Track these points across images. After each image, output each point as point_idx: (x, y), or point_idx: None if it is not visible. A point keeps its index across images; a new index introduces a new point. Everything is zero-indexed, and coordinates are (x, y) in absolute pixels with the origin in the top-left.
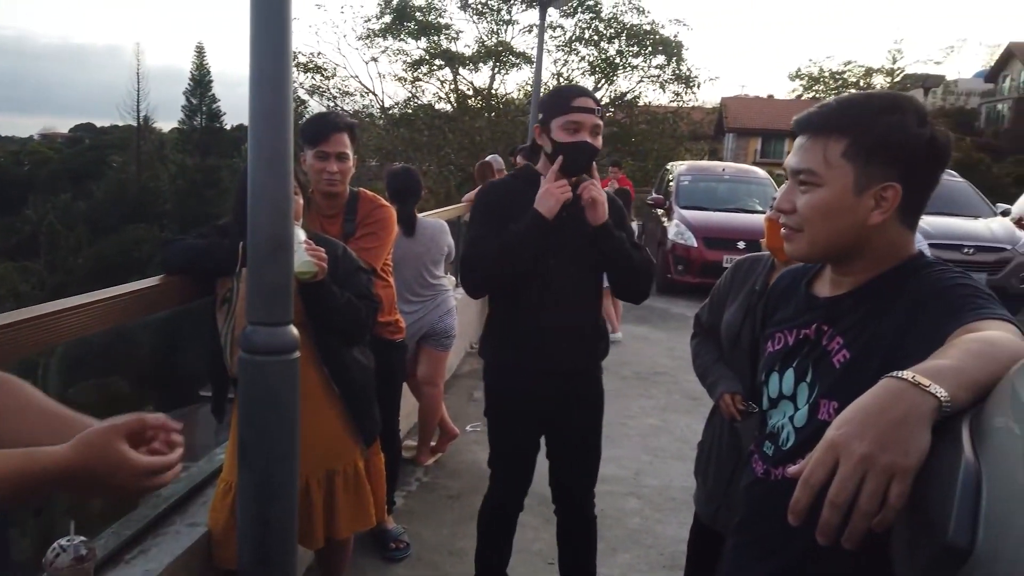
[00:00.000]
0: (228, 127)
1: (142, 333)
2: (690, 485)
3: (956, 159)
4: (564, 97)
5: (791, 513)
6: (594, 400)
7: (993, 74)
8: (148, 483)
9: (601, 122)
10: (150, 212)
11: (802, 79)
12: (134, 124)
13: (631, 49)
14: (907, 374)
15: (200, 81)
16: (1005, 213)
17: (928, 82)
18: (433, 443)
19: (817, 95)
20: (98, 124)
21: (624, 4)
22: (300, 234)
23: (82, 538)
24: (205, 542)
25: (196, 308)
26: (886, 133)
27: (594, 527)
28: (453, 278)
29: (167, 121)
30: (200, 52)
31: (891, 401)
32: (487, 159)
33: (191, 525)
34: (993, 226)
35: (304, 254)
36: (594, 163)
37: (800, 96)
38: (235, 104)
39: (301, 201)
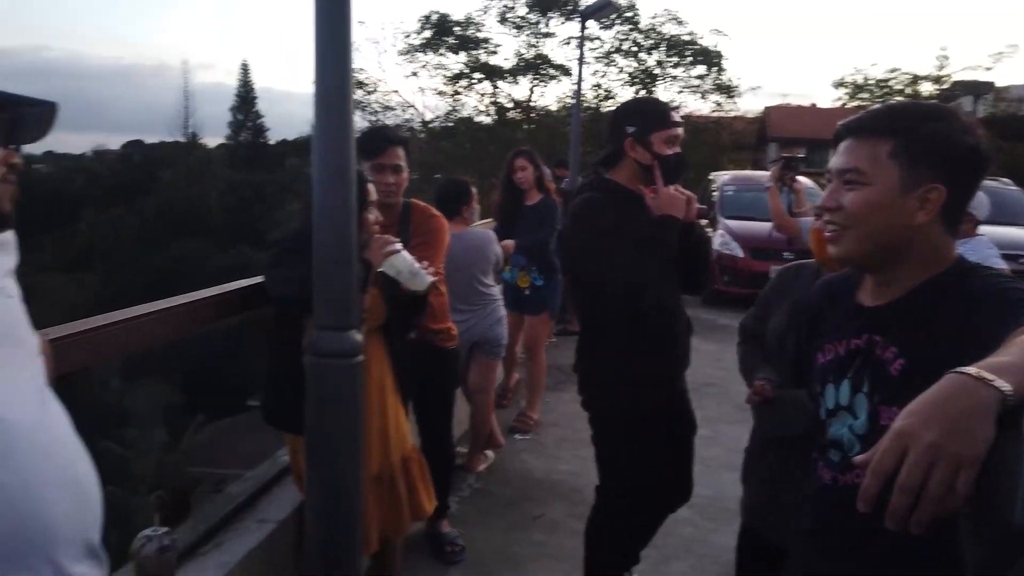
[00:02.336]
0: (272, 142)
1: (194, 345)
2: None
3: (1010, 167)
4: (664, 112)
5: (861, 500)
6: (689, 416)
7: None
8: None
9: None
10: (199, 227)
11: (846, 87)
12: (182, 140)
13: (671, 60)
14: (971, 369)
15: (245, 98)
16: None
17: (978, 89)
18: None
19: (862, 103)
20: (147, 141)
21: (663, 15)
22: (407, 255)
23: (165, 529)
24: (275, 537)
25: (246, 324)
26: (931, 137)
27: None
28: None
29: (213, 137)
30: (245, 70)
31: (957, 394)
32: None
33: (260, 522)
34: None
35: (425, 274)
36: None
37: (844, 104)
38: (278, 120)
39: (378, 216)
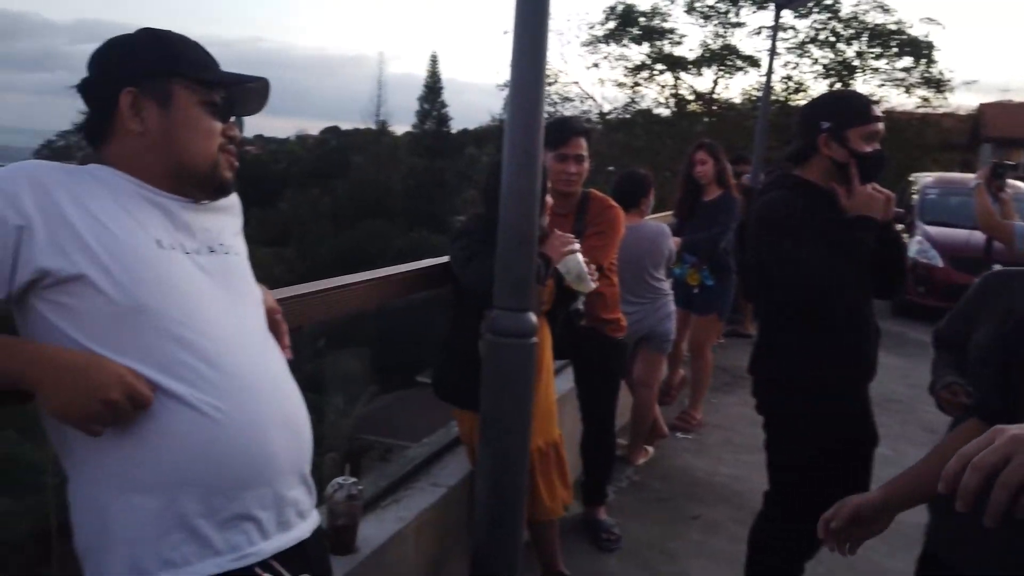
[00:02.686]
0: (454, 131)
1: (372, 318)
2: (921, 521)
3: None
4: (864, 105)
5: (959, 499)
6: (867, 428)
7: None
8: (118, 395)
9: None
10: (383, 208)
11: None
12: (373, 127)
13: (872, 51)
14: None
15: (432, 88)
16: None
17: None
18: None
19: None
20: (343, 127)
21: (867, 3)
22: (580, 258)
23: (355, 479)
24: (447, 500)
25: (418, 302)
26: None
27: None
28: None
29: (401, 125)
30: (434, 61)
31: None
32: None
33: (434, 485)
34: None
35: (590, 281)
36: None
37: None
38: (461, 110)
39: (550, 200)
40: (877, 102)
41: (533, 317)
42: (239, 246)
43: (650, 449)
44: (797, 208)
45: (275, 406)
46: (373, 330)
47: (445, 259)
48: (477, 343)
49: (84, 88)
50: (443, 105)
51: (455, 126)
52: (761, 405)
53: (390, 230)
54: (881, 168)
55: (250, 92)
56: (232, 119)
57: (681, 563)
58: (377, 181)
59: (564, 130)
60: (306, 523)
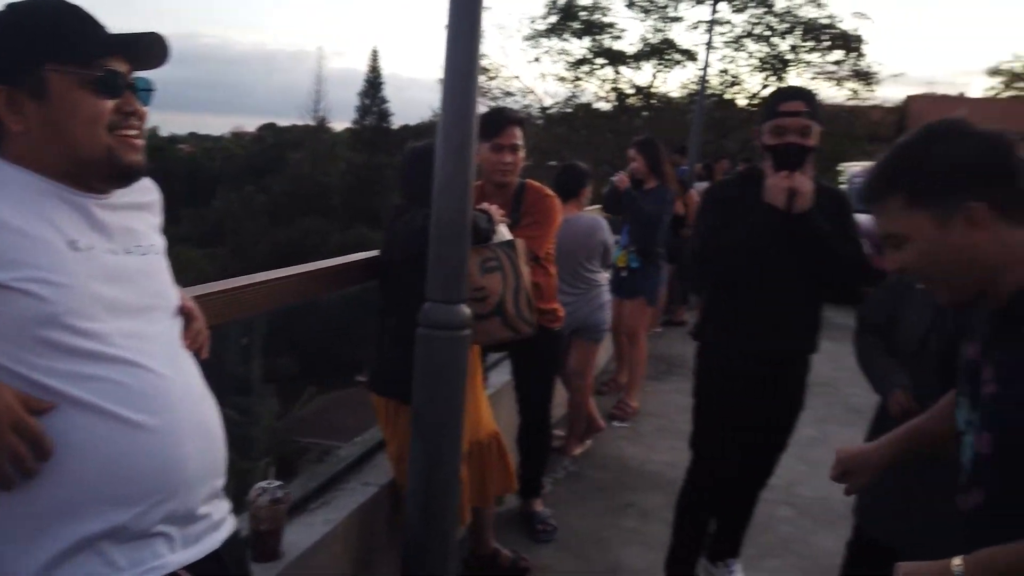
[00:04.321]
0: (395, 127)
1: (309, 319)
2: (850, 499)
3: None
4: (772, 102)
5: None
6: (794, 390)
7: None
8: (8, 437)
9: (812, 122)
10: (321, 205)
11: (1003, 76)
12: (312, 124)
13: (806, 44)
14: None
15: (373, 83)
16: None
17: None
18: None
19: (1019, 93)
20: (280, 124)
21: None
22: (504, 230)
23: (279, 483)
24: (376, 499)
25: (355, 300)
26: (932, 167)
27: (755, 502)
28: (607, 273)
29: (341, 121)
30: (375, 56)
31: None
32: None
33: (364, 484)
34: None
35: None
36: (809, 159)
37: (998, 95)
38: (403, 106)
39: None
40: (802, 96)
41: (466, 309)
42: (158, 246)
43: (587, 441)
44: (728, 193)
45: (188, 415)
46: (312, 330)
47: (375, 253)
48: (408, 333)
49: None
50: (384, 101)
51: (396, 122)
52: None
53: (328, 227)
54: (791, 160)
55: (148, 45)
56: (128, 91)
57: (615, 551)
58: (314, 178)
59: (498, 120)
60: (219, 533)
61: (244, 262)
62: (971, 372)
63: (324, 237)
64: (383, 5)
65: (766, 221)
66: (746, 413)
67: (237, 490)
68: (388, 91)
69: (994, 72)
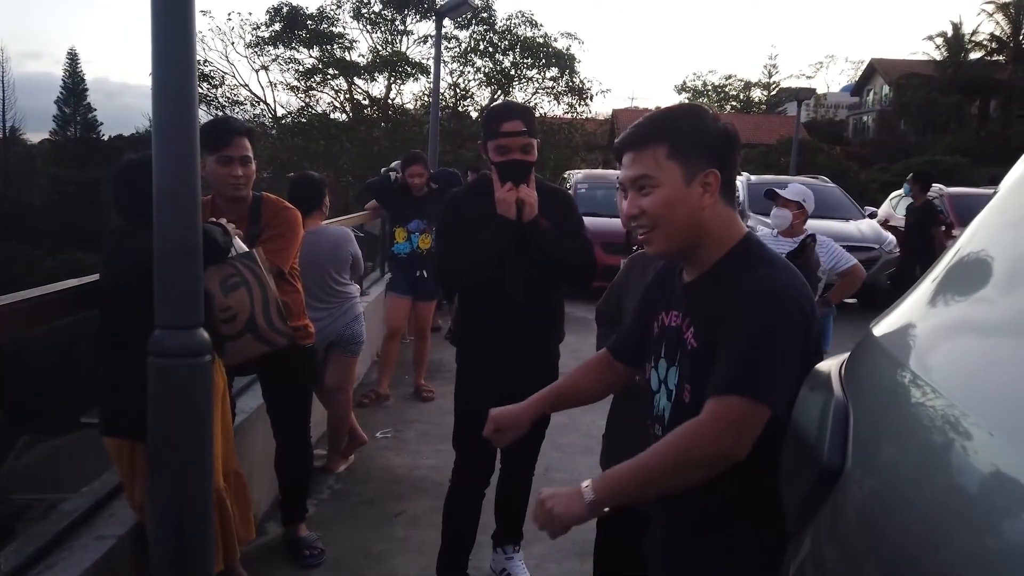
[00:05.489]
0: (106, 137)
1: (13, 358)
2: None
3: (828, 167)
4: (494, 122)
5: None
6: (548, 377)
7: (858, 88)
8: None
9: (532, 139)
10: (20, 229)
11: (688, 92)
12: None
13: (525, 61)
14: (586, 484)
15: (74, 90)
16: (872, 215)
17: (801, 95)
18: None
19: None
20: None
21: (517, 17)
22: (239, 243)
23: None
24: (114, 553)
25: (76, 334)
26: (695, 131)
27: (530, 486)
28: (358, 286)
29: (37, 132)
30: (73, 59)
31: (569, 496)
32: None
33: (98, 539)
34: (862, 227)
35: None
36: (532, 172)
37: None
38: (114, 114)
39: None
40: (521, 114)
41: (204, 333)
42: None
43: (351, 456)
44: (464, 198)
45: None
46: (20, 370)
47: (92, 278)
48: (137, 363)
49: None
50: (90, 109)
51: (107, 131)
52: None
53: (31, 253)
54: (515, 176)
55: None
56: None
57: (388, 562)
58: (8, 196)
59: (225, 130)
60: None
61: None
62: (673, 336)
63: (29, 265)
64: (83, 2)
65: (499, 231)
66: (504, 403)
67: None
68: (94, 98)
69: (681, 89)
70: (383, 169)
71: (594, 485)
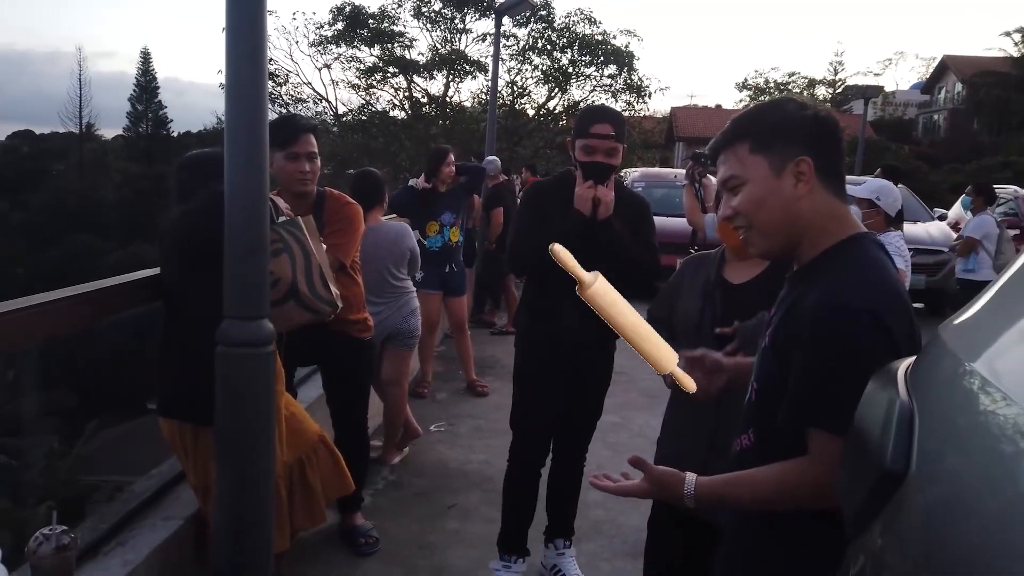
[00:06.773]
0: (176, 134)
1: (87, 346)
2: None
3: (895, 167)
4: (585, 122)
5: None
6: (603, 368)
7: (929, 86)
8: None
9: (619, 144)
10: (93, 222)
11: (749, 89)
12: (76, 131)
13: (583, 59)
14: (691, 478)
15: (146, 87)
16: (942, 218)
17: (868, 93)
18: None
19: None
20: (37, 131)
21: (576, 15)
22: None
23: (64, 527)
24: (180, 534)
25: (143, 324)
26: (777, 122)
27: (580, 478)
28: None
29: (111, 128)
30: (146, 58)
31: (672, 484)
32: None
33: (165, 519)
34: (931, 230)
35: None
36: (612, 174)
37: (747, 106)
38: (183, 112)
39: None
40: (611, 118)
41: (269, 324)
42: None
43: (405, 448)
44: (545, 192)
45: None
46: (92, 357)
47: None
48: (201, 349)
49: None
50: (160, 106)
51: (177, 128)
52: None
53: (101, 245)
54: (596, 176)
55: None
56: None
57: (439, 554)
58: (82, 191)
59: (293, 127)
60: None
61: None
62: (764, 329)
63: (97, 257)
64: (154, 4)
65: (573, 224)
66: (560, 388)
67: (14, 542)
68: (165, 96)
69: (742, 86)
70: (409, 182)
71: (698, 482)
